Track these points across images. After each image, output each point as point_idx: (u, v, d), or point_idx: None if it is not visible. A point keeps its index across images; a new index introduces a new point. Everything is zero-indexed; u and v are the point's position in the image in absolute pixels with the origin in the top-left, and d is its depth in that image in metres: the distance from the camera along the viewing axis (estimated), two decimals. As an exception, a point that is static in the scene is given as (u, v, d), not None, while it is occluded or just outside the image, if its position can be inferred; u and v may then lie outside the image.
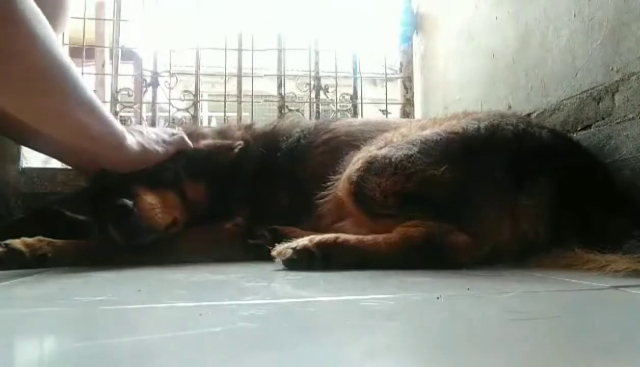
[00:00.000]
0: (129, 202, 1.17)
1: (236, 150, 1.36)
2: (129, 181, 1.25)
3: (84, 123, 1.14)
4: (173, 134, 1.39)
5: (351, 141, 1.40)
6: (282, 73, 2.36)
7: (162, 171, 1.30)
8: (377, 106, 2.49)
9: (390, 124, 1.51)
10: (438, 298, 0.73)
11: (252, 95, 2.33)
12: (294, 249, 1.07)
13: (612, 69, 1.29)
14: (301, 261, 1.05)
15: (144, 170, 1.28)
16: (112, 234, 1.20)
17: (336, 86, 2.41)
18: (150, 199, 1.23)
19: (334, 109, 2.42)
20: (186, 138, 1.40)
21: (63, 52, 1.08)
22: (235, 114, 2.33)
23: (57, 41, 1.07)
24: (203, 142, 1.40)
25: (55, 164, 2.06)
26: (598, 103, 1.34)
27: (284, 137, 1.51)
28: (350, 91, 2.43)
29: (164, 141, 1.34)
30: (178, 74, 2.33)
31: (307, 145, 1.49)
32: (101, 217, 1.26)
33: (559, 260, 1.04)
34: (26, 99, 1.07)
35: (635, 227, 1.02)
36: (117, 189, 1.23)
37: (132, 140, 1.25)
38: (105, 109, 1.23)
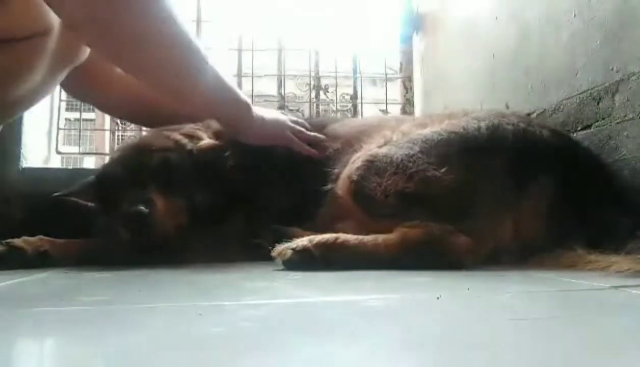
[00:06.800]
0: (145, 210, 1.18)
1: (231, 162, 1.34)
2: (142, 184, 1.25)
3: (211, 95, 1.29)
4: (294, 121, 1.50)
5: (349, 141, 1.40)
6: (282, 73, 2.35)
7: (173, 175, 1.29)
8: (377, 106, 2.49)
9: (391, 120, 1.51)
10: (438, 298, 0.73)
11: (252, 95, 2.33)
12: (293, 249, 1.07)
13: (612, 69, 1.29)
14: (301, 262, 1.05)
15: (156, 173, 1.28)
16: (123, 236, 1.20)
17: (336, 86, 2.41)
18: (163, 205, 1.22)
19: (334, 109, 2.42)
20: (304, 129, 1.48)
21: (191, 35, 1.22)
22: (235, 113, 2.32)
23: (184, 26, 1.20)
24: (203, 143, 1.38)
25: (55, 163, 2.07)
26: (598, 103, 1.34)
27: None
28: (350, 91, 2.43)
29: (288, 127, 1.45)
30: (178, 73, 2.32)
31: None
32: (111, 219, 1.26)
33: (560, 260, 1.04)
34: (161, 79, 1.24)
35: (637, 227, 1.02)
36: (130, 192, 1.23)
37: (257, 114, 1.37)
38: (233, 85, 1.37)
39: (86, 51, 1.37)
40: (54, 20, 1.16)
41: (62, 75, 1.39)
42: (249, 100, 1.39)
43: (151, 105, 1.54)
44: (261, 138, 1.39)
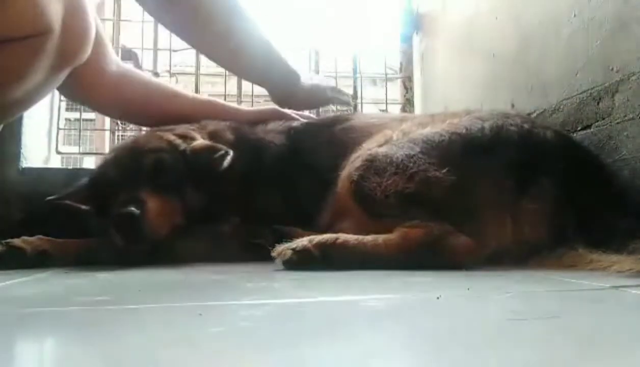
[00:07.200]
0: (136, 211, 1.17)
1: (225, 163, 1.32)
2: (135, 185, 1.24)
3: (264, 61, 1.40)
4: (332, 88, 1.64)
5: (350, 138, 1.40)
6: (282, 73, 2.35)
7: (166, 175, 1.29)
8: (377, 106, 2.49)
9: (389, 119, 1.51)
10: (438, 298, 0.73)
11: (252, 95, 2.32)
12: (293, 249, 1.06)
13: (612, 69, 1.29)
14: (301, 262, 1.05)
15: (149, 174, 1.27)
16: (115, 239, 1.20)
17: (336, 86, 2.40)
18: (155, 206, 1.22)
19: (334, 109, 2.41)
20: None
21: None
22: (236, 114, 2.32)
23: None
24: (197, 144, 1.37)
25: (55, 164, 2.07)
26: (598, 103, 1.34)
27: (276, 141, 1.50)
28: (350, 91, 2.43)
29: (330, 89, 1.60)
30: (178, 74, 2.33)
31: (306, 144, 1.48)
32: (105, 221, 1.25)
33: (562, 260, 1.04)
34: (217, 49, 1.38)
35: (638, 227, 1.02)
36: (122, 193, 1.23)
37: (304, 84, 1.49)
38: (283, 55, 1.47)
39: (87, 52, 1.37)
40: (55, 20, 1.16)
41: (63, 76, 1.39)
42: (298, 71, 1.48)
43: (142, 105, 1.54)
44: (307, 106, 1.50)
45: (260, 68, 1.41)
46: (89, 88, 1.49)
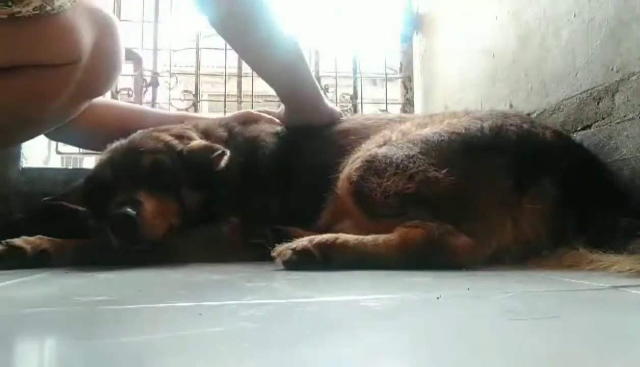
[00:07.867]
0: (132, 212, 1.16)
1: (222, 162, 1.31)
2: (131, 186, 1.24)
3: (299, 74, 1.51)
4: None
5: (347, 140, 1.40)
6: (282, 73, 2.35)
7: (163, 176, 1.29)
8: (377, 106, 2.49)
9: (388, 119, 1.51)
10: (438, 298, 0.73)
11: (252, 95, 2.33)
12: (293, 249, 1.06)
13: (612, 69, 1.29)
14: (301, 262, 1.05)
15: (146, 175, 1.27)
16: (112, 240, 1.19)
17: (336, 86, 2.40)
18: (152, 207, 1.21)
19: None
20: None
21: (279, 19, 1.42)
22: (236, 114, 2.32)
23: (274, 12, 1.40)
24: (194, 144, 1.37)
25: (55, 164, 2.07)
26: (598, 103, 1.34)
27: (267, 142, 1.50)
28: (350, 91, 2.43)
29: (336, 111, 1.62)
30: (178, 74, 2.32)
31: (303, 143, 1.48)
32: (102, 222, 1.25)
33: (562, 260, 1.04)
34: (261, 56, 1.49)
35: (639, 227, 1.02)
36: (119, 194, 1.23)
37: (326, 101, 1.56)
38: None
39: (106, 87, 1.38)
40: (85, 49, 1.17)
41: (80, 108, 1.38)
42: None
43: (118, 129, 1.52)
44: (319, 121, 1.52)
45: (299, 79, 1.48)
46: (80, 120, 1.46)
